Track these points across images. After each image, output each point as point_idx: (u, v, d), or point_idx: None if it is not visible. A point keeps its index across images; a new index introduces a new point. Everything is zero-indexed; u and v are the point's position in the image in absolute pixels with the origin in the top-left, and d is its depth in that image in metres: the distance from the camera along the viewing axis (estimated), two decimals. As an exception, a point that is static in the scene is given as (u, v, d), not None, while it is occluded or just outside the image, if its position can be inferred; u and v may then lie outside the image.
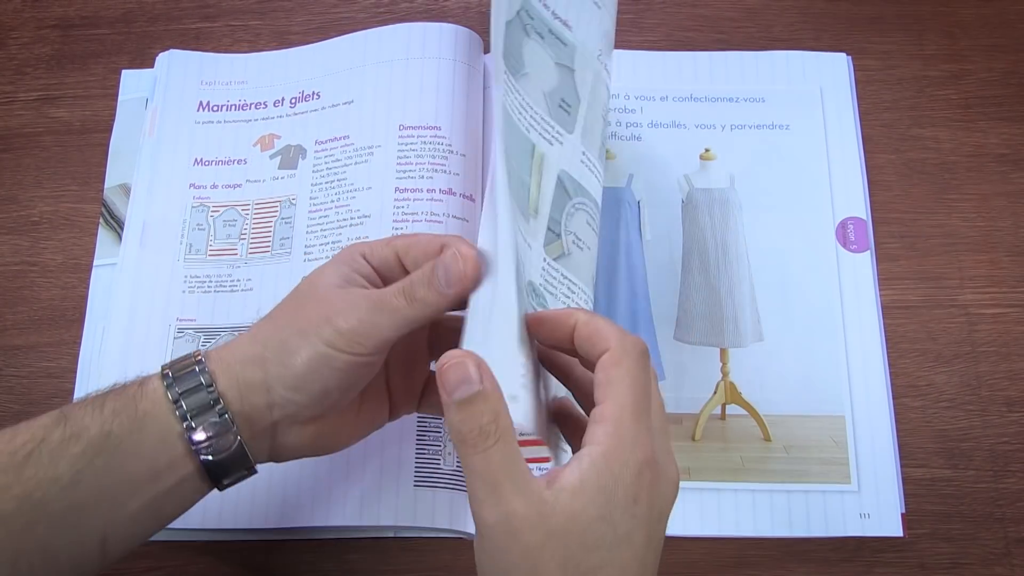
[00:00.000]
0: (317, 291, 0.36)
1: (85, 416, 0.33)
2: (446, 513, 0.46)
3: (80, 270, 0.55)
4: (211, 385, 0.34)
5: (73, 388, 0.52)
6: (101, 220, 0.56)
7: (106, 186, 0.56)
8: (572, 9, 0.45)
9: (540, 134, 0.43)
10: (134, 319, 0.52)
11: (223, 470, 0.35)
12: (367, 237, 0.52)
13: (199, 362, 0.35)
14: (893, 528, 0.47)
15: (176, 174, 0.56)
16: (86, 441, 0.32)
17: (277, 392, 0.35)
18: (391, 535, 0.48)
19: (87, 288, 0.54)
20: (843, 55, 0.57)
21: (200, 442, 0.34)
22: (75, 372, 0.52)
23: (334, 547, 0.49)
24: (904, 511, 0.48)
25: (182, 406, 0.34)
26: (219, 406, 0.34)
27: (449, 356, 0.31)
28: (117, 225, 0.55)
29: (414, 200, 0.52)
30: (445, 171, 0.53)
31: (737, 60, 0.58)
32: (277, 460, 0.37)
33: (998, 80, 0.58)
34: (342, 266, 0.37)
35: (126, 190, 0.56)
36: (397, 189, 0.52)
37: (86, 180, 0.57)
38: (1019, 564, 0.48)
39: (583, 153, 0.46)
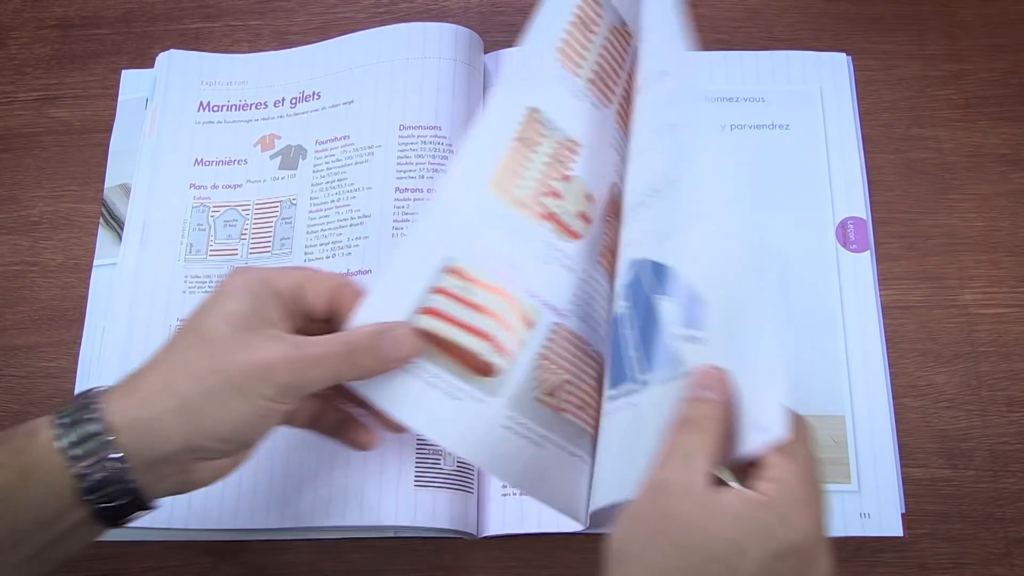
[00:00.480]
0: (230, 332, 0.34)
1: None
2: (446, 513, 0.46)
3: (80, 270, 0.55)
4: (109, 433, 0.33)
5: (73, 388, 0.52)
6: (101, 220, 0.56)
7: (106, 186, 0.56)
8: None
9: None
10: (134, 319, 0.52)
11: (119, 514, 0.34)
12: (368, 238, 0.52)
13: (96, 406, 0.33)
14: (893, 528, 0.47)
15: (176, 174, 0.56)
16: None
17: (198, 442, 0.34)
18: (391, 535, 0.48)
19: (87, 288, 0.54)
20: (843, 55, 0.57)
21: (93, 490, 0.32)
22: (75, 372, 0.52)
23: (334, 547, 0.49)
24: (904, 511, 0.48)
25: (76, 454, 0.32)
26: (116, 454, 0.33)
27: (710, 367, 0.34)
28: (117, 225, 0.55)
29: (414, 200, 0.52)
30: (446, 171, 0.53)
31: (737, 60, 0.58)
32: (181, 493, 0.36)
33: (998, 80, 0.58)
34: (247, 299, 0.35)
35: (126, 190, 0.56)
36: (397, 189, 0.52)
37: (86, 180, 0.57)
38: (1019, 564, 0.48)
39: None
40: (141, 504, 0.34)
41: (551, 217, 0.41)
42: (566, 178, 0.41)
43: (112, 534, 0.47)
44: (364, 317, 0.37)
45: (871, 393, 0.50)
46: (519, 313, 0.39)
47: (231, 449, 0.35)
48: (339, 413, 0.42)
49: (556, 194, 0.41)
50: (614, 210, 0.43)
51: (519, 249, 0.40)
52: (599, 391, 0.41)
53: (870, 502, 0.48)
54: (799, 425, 0.33)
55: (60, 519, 0.33)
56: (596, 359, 0.41)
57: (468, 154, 0.40)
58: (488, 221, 0.39)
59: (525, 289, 0.39)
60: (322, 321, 0.38)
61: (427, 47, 0.56)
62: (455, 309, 0.38)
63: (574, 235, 0.41)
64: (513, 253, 0.39)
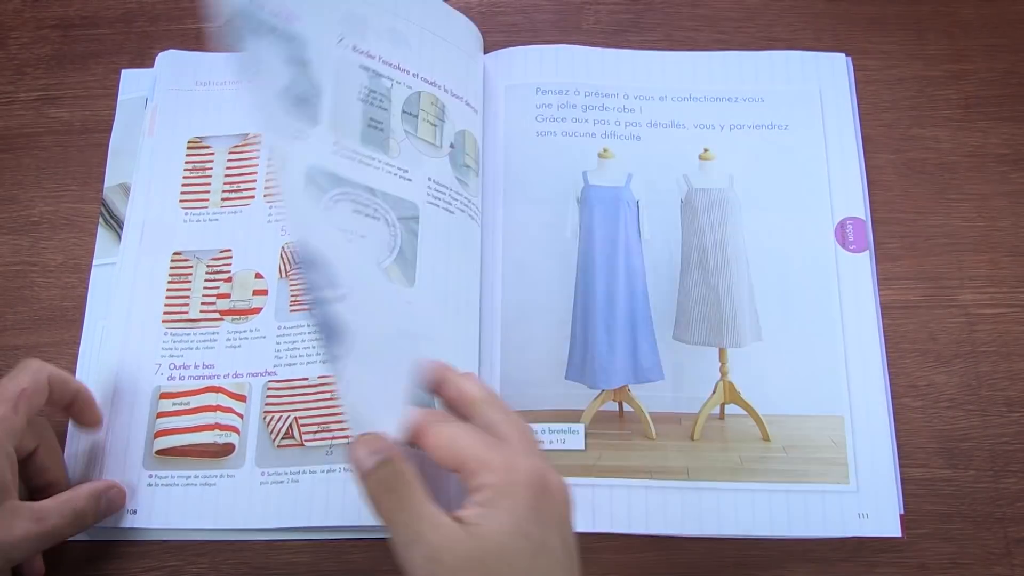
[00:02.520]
0: None
1: None
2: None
3: (80, 270, 0.55)
4: None
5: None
6: (100, 220, 0.56)
7: (105, 186, 0.56)
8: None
9: None
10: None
11: None
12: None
13: None
14: (892, 528, 0.47)
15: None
16: None
17: None
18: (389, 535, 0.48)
19: (87, 288, 0.54)
20: (842, 55, 0.57)
21: None
22: (74, 372, 0.52)
23: (334, 547, 0.49)
24: (903, 511, 0.48)
25: None
26: None
27: (358, 440, 0.37)
28: (117, 225, 0.55)
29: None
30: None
31: (736, 60, 0.58)
32: None
33: (998, 80, 0.58)
34: None
35: (126, 190, 0.56)
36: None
37: (86, 180, 0.57)
38: (1019, 564, 0.48)
39: (335, 144, 0.48)
40: None
41: (227, 312, 0.51)
42: (228, 279, 0.52)
43: (112, 534, 0.48)
44: (111, 470, 0.48)
45: (870, 393, 0.50)
46: (230, 395, 0.50)
47: None
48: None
49: (224, 295, 0.52)
50: (295, 259, 0.51)
51: (208, 351, 0.51)
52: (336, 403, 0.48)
53: (868, 502, 0.48)
54: (424, 413, 0.38)
55: None
56: (321, 382, 0.49)
57: (136, 304, 0.52)
58: (173, 346, 0.51)
59: (228, 375, 0.50)
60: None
61: (449, 30, 0.55)
62: (178, 422, 0.49)
63: (254, 311, 0.51)
64: (204, 357, 0.51)
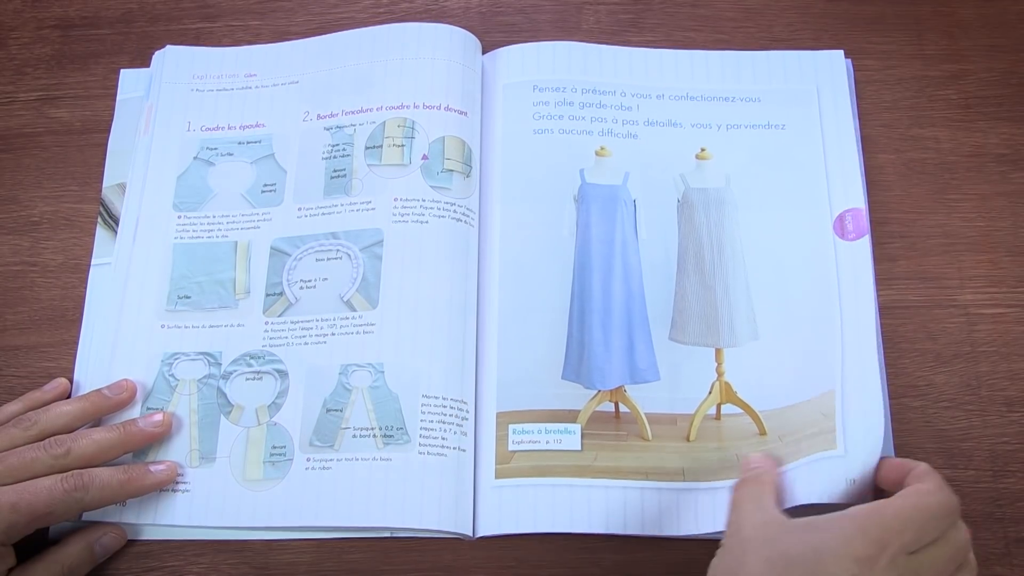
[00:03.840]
0: None
1: None
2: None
3: (80, 270, 0.55)
4: None
5: (72, 389, 0.52)
6: (99, 219, 0.56)
7: (104, 185, 0.57)
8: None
9: (241, 229, 0.54)
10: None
11: None
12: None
13: None
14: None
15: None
16: None
17: None
18: (391, 535, 0.48)
19: (86, 288, 0.54)
20: (840, 52, 0.57)
21: None
22: (73, 372, 0.52)
23: (334, 547, 0.49)
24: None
25: None
26: None
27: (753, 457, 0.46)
28: (115, 224, 0.55)
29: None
30: None
31: (733, 59, 0.57)
32: None
33: (998, 80, 0.58)
34: None
35: (124, 189, 0.56)
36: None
37: (86, 180, 0.57)
38: (1019, 564, 0.48)
39: (298, 208, 0.54)
40: None
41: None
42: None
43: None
44: None
45: (863, 367, 0.49)
46: None
47: None
48: None
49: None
50: None
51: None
52: None
53: (857, 467, 0.46)
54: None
55: None
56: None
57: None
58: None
59: None
60: None
61: (422, 48, 0.56)
62: None
63: None
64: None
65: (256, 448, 0.49)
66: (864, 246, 0.52)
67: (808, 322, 0.51)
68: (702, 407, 0.50)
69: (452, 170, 0.53)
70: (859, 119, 0.56)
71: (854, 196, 0.53)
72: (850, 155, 0.54)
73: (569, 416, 0.50)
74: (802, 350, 0.50)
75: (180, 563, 0.48)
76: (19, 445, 0.45)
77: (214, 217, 0.54)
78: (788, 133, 0.55)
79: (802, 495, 0.45)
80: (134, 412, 0.50)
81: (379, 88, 0.56)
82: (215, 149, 0.56)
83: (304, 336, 0.51)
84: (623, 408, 0.50)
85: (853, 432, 0.47)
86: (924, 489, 0.39)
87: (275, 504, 0.47)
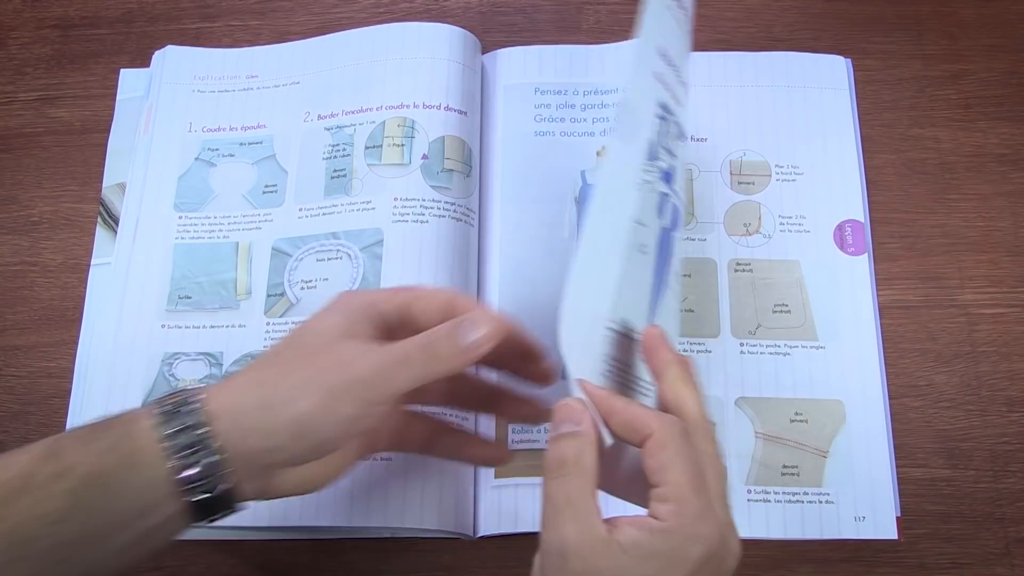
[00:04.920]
0: (325, 340, 0.35)
1: (75, 452, 0.32)
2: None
3: (80, 270, 0.55)
4: (206, 425, 0.33)
5: (71, 388, 0.52)
6: (99, 219, 0.56)
7: (104, 185, 0.56)
8: None
9: (243, 229, 0.54)
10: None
11: (209, 510, 0.34)
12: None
13: (195, 400, 0.34)
14: (888, 531, 0.47)
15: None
16: (75, 478, 0.31)
17: (279, 438, 0.33)
18: (391, 535, 0.48)
19: (86, 288, 0.54)
20: (841, 58, 0.57)
21: (190, 482, 0.32)
22: (73, 372, 0.52)
23: (334, 547, 0.49)
24: (900, 514, 0.48)
25: (175, 445, 0.32)
26: (214, 447, 0.33)
27: (566, 401, 0.34)
28: (115, 224, 0.55)
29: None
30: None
31: (735, 61, 0.57)
32: (264, 499, 0.36)
33: (998, 80, 0.58)
34: (347, 315, 0.36)
35: (124, 189, 0.56)
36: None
37: (86, 180, 0.57)
38: (1019, 564, 0.48)
39: (299, 209, 0.54)
40: (230, 503, 0.34)
41: None
42: None
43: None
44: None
45: (867, 401, 0.49)
46: None
47: (309, 451, 0.34)
48: (429, 426, 0.42)
49: None
50: None
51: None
52: None
53: (865, 505, 0.47)
54: (662, 428, 0.32)
55: (158, 508, 0.33)
56: None
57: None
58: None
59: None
60: None
61: (421, 47, 0.56)
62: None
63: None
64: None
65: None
66: (864, 264, 0.52)
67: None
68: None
69: (452, 170, 0.53)
70: (859, 119, 0.56)
71: (853, 206, 0.53)
72: (850, 161, 0.55)
73: (570, 416, 0.50)
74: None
75: (180, 563, 0.48)
76: None
77: (215, 217, 0.54)
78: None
79: (812, 531, 0.47)
80: None
81: (379, 88, 0.56)
82: (216, 150, 0.56)
83: None
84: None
85: (860, 470, 0.48)
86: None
87: (275, 504, 0.47)
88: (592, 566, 0.31)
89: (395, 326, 0.37)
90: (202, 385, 0.34)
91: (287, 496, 0.36)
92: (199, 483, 0.33)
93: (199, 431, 0.33)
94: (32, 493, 0.31)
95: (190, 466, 0.32)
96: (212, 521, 0.34)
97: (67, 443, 0.33)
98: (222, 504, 0.34)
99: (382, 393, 0.34)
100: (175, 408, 0.33)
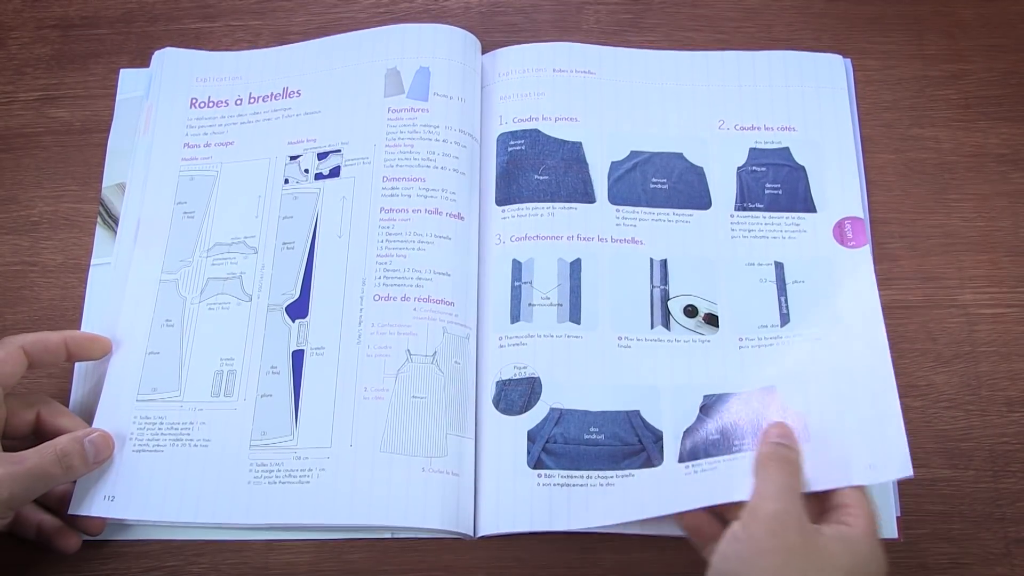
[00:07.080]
0: None
1: None
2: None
3: (80, 270, 0.55)
4: None
5: (71, 388, 0.52)
6: (99, 219, 0.56)
7: (104, 185, 0.56)
8: None
9: None
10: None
11: None
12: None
13: None
14: (888, 531, 0.47)
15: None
16: None
17: None
18: (391, 535, 0.48)
19: (86, 288, 0.54)
20: (839, 57, 0.57)
21: None
22: (72, 372, 0.52)
23: (334, 547, 0.49)
24: (900, 514, 0.48)
25: None
26: None
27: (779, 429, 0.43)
28: (115, 224, 0.55)
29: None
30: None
31: (735, 60, 0.57)
32: None
33: (998, 80, 0.58)
34: None
35: (124, 189, 0.56)
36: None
37: (86, 180, 0.57)
38: (1019, 564, 0.48)
39: None
40: None
41: None
42: None
43: (112, 533, 0.48)
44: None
45: (877, 401, 0.49)
46: None
47: None
48: (34, 521, 0.47)
49: None
50: None
51: None
52: None
53: None
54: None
55: None
56: None
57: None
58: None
59: None
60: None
61: (422, 48, 0.56)
62: None
63: None
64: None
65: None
66: (865, 255, 0.52)
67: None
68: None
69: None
70: (859, 119, 0.56)
71: (853, 203, 0.53)
72: (849, 160, 0.54)
73: (570, 415, 0.50)
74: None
75: (180, 563, 0.48)
76: None
77: None
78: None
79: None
80: None
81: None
82: None
83: None
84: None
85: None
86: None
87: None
88: (799, 540, 0.37)
89: (13, 372, 0.45)
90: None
91: None
92: None
93: None
94: None
95: None
96: None
97: None
98: None
99: (17, 506, 0.44)
100: None
